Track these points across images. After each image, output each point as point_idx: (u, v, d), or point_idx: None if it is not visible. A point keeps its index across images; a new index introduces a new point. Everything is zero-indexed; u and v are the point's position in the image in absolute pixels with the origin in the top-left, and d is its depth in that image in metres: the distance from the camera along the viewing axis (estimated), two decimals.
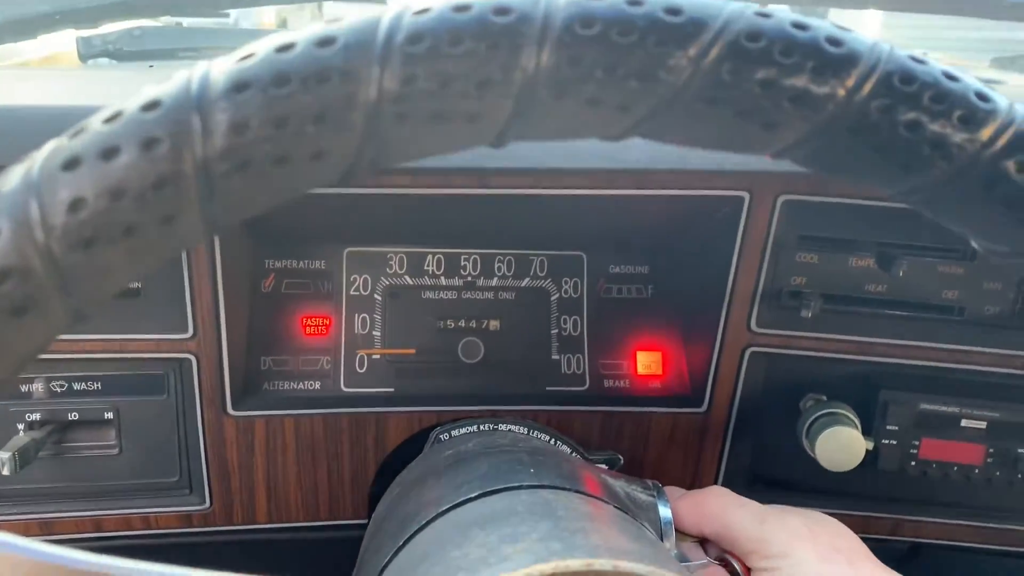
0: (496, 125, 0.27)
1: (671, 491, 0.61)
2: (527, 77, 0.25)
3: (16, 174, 0.24)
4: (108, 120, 0.24)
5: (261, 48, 0.25)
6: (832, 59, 0.26)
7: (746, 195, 0.65)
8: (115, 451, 0.68)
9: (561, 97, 0.26)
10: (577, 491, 0.49)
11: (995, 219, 0.29)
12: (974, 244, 0.33)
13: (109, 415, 0.68)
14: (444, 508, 0.47)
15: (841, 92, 0.27)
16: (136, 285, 0.65)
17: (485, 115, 0.26)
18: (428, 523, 0.47)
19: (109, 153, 0.23)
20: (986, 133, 0.27)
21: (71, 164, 0.23)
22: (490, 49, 0.25)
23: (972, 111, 0.27)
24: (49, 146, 0.24)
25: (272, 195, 0.26)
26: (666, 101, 0.27)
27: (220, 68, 0.24)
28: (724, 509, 0.58)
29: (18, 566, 0.26)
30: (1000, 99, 0.28)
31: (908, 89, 0.27)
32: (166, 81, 0.25)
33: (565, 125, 0.28)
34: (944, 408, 0.69)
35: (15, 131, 0.57)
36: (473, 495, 0.47)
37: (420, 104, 0.25)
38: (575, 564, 0.34)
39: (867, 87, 0.27)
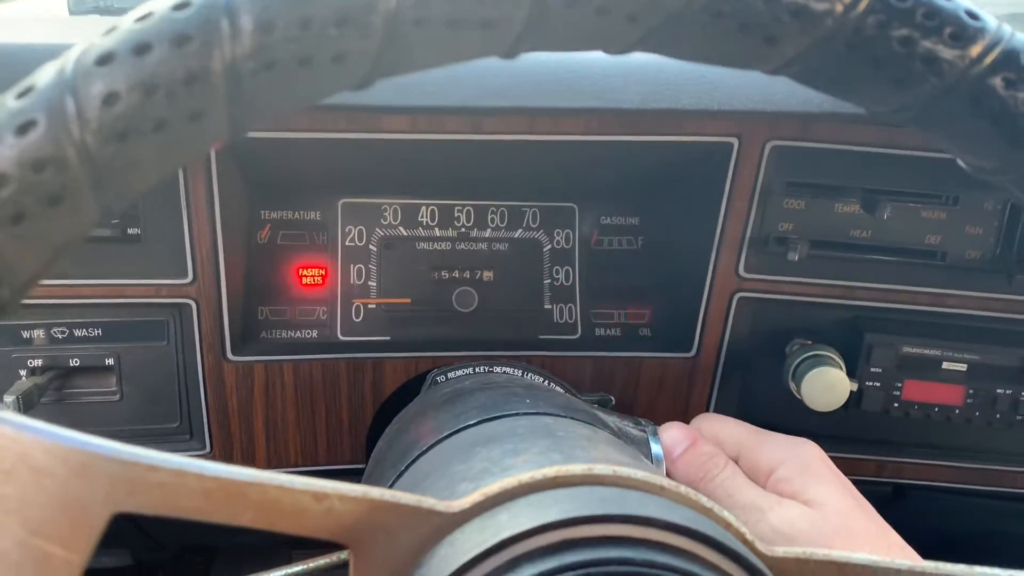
0: (510, 34, 0.28)
1: (670, 438, 0.59)
2: None
3: (51, 70, 0.25)
4: (140, 19, 0.25)
5: None
6: None
7: (735, 141, 0.66)
8: (116, 397, 0.69)
9: (572, 5, 0.27)
10: (573, 418, 0.50)
11: (982, 135, 0.31)
12: (960, 162, 0.34)
13: (110, 361, 0.68)
14: (445, 434, 0.49)
15: (839, 7, 0.28)
16: (136, 231, 0.65)
17: (499, 23, 0.27)
18: (429, 448, 0.48)
19: (142, 49, 0.24)
20: (975, 50, 0.29)
21: (105, 59, 0.24)
22: None
23: (962, 28, 0.29)
24: (81, 45, 0.25)
25: (295, 96, 0.27)
26: (674, 12, 0.28)
27: None
28: (728, 494, 0.55)
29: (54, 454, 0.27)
30: (989, 18, 0.29)
31: (902, 5, 0.28)
32: None
33: (575, 36, 0.29)
34: (926, 351, 0.71)
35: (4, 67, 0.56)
36: (472, 422, 0.49)
37: (438, 9, 0.26)
38: (576, 469, 0.35)
39: (863, 3, 0.28)
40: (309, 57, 0.26)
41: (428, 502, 0.32)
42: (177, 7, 0.25)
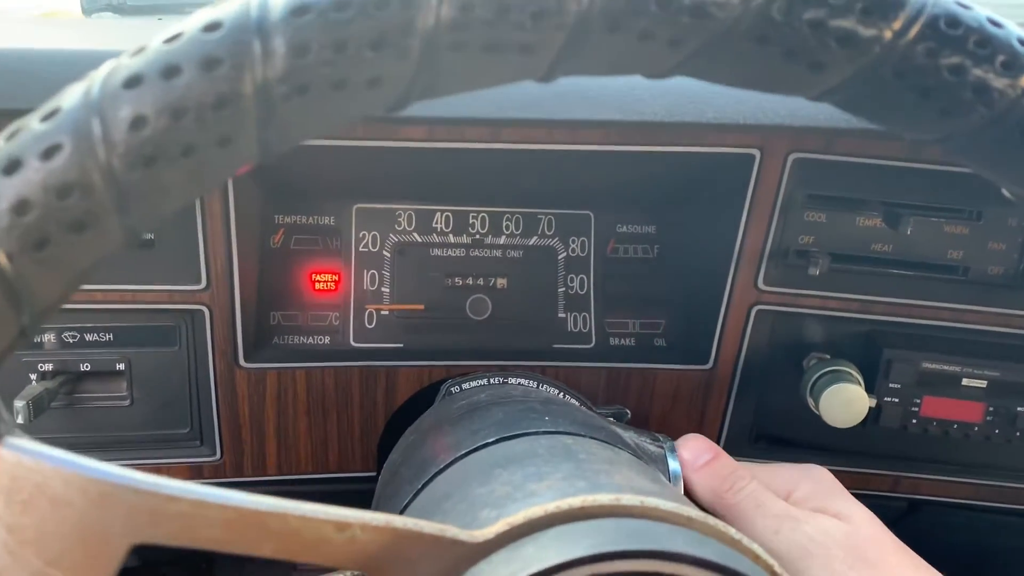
0: (547, 58, 0.27)
1: (691, 450, 0.59)
2: (582, 9, 0.26)
3: (76, 92, 0.24)
4: (169, 40, 0.24)
5: None
6: (880, 1, 0.27)
7: (757, 153, 0.65)
8: (126, 402, 0.69)
9: (615, 30, 0.26)
10: (592, 437, 0.50)
11: None
12: (1005, 192, 0.33)
13: (121, 366, 0.68)
14: (463, 452, 0.48)
15: (888, 34, 0.27)
16: (149, 236, 0.65)
17: (538, 47, 0.26)
18: (447, 466, 0.47)
19: (170, 72, 0.24)
20: None
21: (133, 82, 0.23)
22: None
23: (1015, 56, 0.28)
24: (108, 65, 0.24)
25: (327, 120, 0.26)
26: (716, 38, 0.27)
27: None
28: (744, 512, 0.54)
29: (76, 484, 0.26)
30: None
31: (954, 33, 0.27)
32: (223, 4, 0.25)
33: (614, 60, 0.28)
34: (946, 367, 0.70)
35: (19, 73, 0.55)
36: (491, 440, 0.48)
37: (476, 33, 0.25)
38: (604, 499, 0.34)
39: (913, 30, 0.27)
40: (344, 80, 0.25)
41: (451, 531, 0.31)
42: (207, 28, 0.24)
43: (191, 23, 0.24)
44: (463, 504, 0.40)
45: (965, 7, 0.27)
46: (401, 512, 0.47)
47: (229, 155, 0.25)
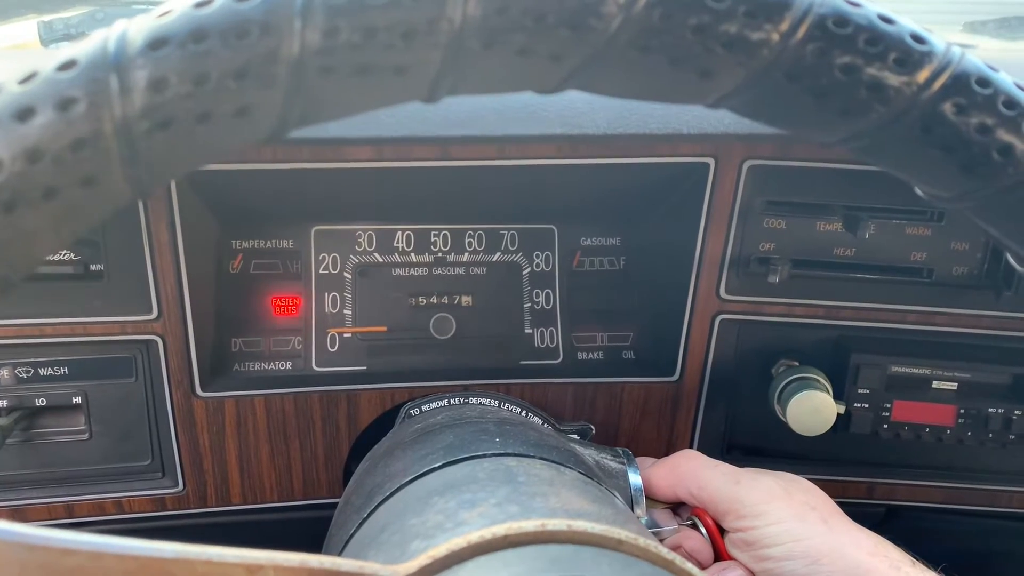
0: (426, 78, 0.26)
1: (643, 461, 0.62)
2: (454, 27, 0.25)
3: None
4: (23, 81, 0.23)
5: (179, 4, 0.24)
6: (765, 3, 0.26)
7: (711, 161, 0.65)
8: (85, 436, 0.68)
9: (491, 47, 0.25)
10: (541, 458, 0.49)
11: (934, 163, 0.29)
12: (917, 190, 0.33)
13: (77, 400, 0.67)
14: (408, 479, 0.47)
15: (775, 37, 0.26)
16: (98, 267, 0.64)
17: (413, 68, 0.26)
18: (392, 495, 0.47)
19: (24, 114, 0.23)
20: (922, 75, 0.27)
21: None
22: None
23: (908, 53, 0.27)
24: None
25: (199, 153, 0.25)
26: (598, 50, 0.26)
27: (138, 26, 0.24)
28: (697, 470, 0.58)
29: None
30: (937, 41, 0.28)
31: (842, 32, 0.27)
32: (83, 40, 0.24)
33: (498, 77, 0.27)
34: (915, 370, 0.70)
35: None
36: (436, 465, 0.47)
37: (345, 57, 0.25)
38: (528, 526, 0.33)
39: (801, 31, 0.26)
40: (208, 113, 0.24)
41: (370, 568, 0.30)
42: (62, 67, 0.23)
43: (47, 62, 0.24)
44: (397, 535, 0.39)
45: (854, 5, 0.27)
46: (345, 544, 0.46)
47: (96, 195, 0.24)
